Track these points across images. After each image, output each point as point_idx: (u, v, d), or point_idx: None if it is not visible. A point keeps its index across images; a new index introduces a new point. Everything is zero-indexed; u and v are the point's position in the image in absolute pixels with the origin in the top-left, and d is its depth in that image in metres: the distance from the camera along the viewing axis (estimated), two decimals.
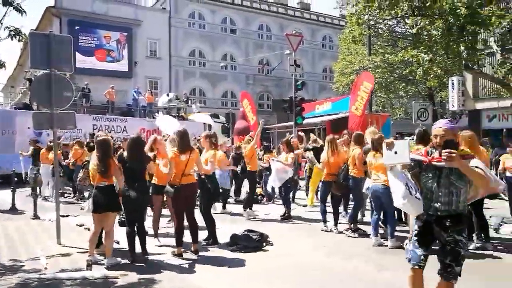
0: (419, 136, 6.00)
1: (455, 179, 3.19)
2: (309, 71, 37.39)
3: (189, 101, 25.06)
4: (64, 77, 6.77)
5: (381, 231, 6.58)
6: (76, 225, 7.83)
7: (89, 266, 5.08)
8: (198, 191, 6.46)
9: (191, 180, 5.85)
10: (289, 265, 5.37)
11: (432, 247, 3.39)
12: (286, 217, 8.51)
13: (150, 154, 6.35)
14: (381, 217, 6.62)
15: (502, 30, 13.01)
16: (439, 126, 3.30)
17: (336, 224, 7.30)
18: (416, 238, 3.38)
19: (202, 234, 6.32)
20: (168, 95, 23.51)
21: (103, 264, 5.28)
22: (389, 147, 3.44)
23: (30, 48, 6.47)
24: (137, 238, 5.56)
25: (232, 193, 11.18)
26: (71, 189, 12.35)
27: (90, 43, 28.16)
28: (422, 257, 3.31)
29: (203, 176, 6.44)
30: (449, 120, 3.44)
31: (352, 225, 7.12)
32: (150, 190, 6.53)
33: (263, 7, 36.56)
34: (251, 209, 8.84)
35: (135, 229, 5.54)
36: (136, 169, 5.51)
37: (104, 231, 5.54)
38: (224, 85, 34.44)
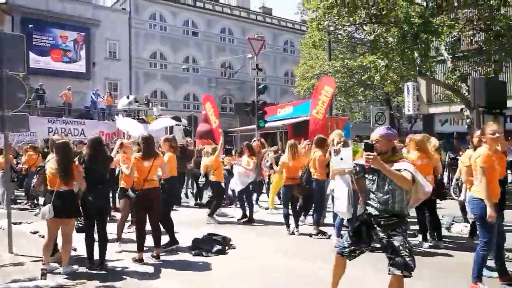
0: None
1: (389, 181, 3.42)
2: (271, 75, 37.75)
3: (150, 104, 24.59)
4: (16, 77, 6.47)
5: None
6: (30, 232, 7.46)
7: (43, 275, 4.86)
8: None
9: (153, 185, 5.75)
10: (252, 268, 5.38)
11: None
12: (248, 220, 8.54)
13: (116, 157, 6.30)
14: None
15: (452, 39, 13.75)
16: (376, 133, 3.58)
17: (297, 226, 7.40)
18: (351, 234, 3.67)
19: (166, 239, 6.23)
20: (128, 97, 22.98)
21: (59, 273, 5.07)
22: (336, 153, 3.65)
23: None
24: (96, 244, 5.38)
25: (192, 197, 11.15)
26: (23, 195, 11.78)
27: (45, 42, 27.02)
28: (347, 248, 3.64)
29: (162, 181, 6.37)
30: (387, 128, 3.71)
31: (314, 228, 7.23)
32: (113, 195, 6.39)
33: (225, 11, 36.59)
34: (213, 216, 8.75)
35: (94, 235, 5.37)
36: (99, 171, 5.35)
37: (61, 238, 5.33)
38: (186, 87, 34.11)
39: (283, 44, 39.64)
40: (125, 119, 12.27)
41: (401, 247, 3.33)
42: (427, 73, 14.05)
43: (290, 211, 7.60)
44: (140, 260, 5.57)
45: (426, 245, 6.27)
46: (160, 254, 5.81)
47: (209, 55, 34.81)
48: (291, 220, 7.50)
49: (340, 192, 4.10)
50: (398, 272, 3.32)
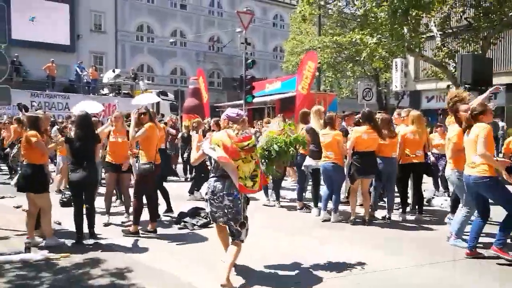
0: (365, 117, 6.27)
1: None
2: (260, 49, 37.27)
3: (136, 78, 24.18)
4: None
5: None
6: (13, 207, 7.40)
7: (27, 248, 4.85)
8: None
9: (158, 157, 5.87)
10: None
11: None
12: None
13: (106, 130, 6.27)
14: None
15: (442, 15, 13.66)
16: (224, 113, 4.44)
17: (277, 199, 7.66)
18: None
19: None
20: (114, 70, 22.54)
21: (43, 246, 5.06)
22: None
23: None
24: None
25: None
26: (7, 169, 11.63)
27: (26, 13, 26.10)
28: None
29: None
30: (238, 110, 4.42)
31: (299, 202, 7.35)
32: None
33: None
34: (198, 191, 8.66)
35: (83, 210, 5.31)
36: (85, 148, 5.29)
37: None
38: (174, 62, 33.55)
39: (273, 18, 38.99)
40: (79, 104, 11.94)
41: None
42: (416, 50, 14.00)
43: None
44: (132, 233, 5.59)
45: (405, 217, 6.46)
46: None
47: (197, 29, 34.15)
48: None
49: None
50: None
